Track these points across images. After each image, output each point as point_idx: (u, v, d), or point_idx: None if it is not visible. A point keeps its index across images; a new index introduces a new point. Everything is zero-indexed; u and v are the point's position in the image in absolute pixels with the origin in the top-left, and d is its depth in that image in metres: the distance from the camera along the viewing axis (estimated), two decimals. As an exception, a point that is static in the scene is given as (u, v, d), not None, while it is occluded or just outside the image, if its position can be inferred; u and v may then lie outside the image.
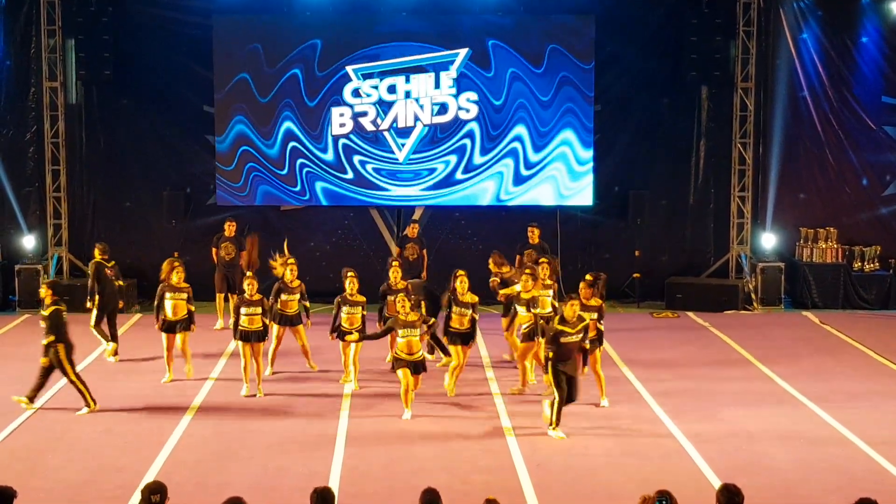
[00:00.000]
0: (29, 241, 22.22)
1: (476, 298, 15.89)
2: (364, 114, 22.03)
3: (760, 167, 22.65)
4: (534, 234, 19.67)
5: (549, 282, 16.78)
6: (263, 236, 20.98)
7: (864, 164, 22.65)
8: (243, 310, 15.50)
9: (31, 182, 22.41)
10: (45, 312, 15.03)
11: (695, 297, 21.94)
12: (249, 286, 15.66)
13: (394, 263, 17.14)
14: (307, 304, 16.84)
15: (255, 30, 22.13)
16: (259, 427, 14.31)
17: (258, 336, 15.50)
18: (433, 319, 15.50)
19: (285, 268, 16.80)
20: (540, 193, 22.25)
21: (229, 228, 20.35)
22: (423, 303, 16.13)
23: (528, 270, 16.26)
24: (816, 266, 22.20)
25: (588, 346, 14.10)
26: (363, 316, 15.74)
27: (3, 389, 15.92)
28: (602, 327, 15.40)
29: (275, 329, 16.60)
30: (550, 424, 13.53)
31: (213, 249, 20.37)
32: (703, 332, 20.00)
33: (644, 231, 22.72)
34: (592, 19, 22.00)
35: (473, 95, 22.01)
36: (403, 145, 22.12)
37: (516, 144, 22.13)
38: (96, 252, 18.61)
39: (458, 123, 22.05)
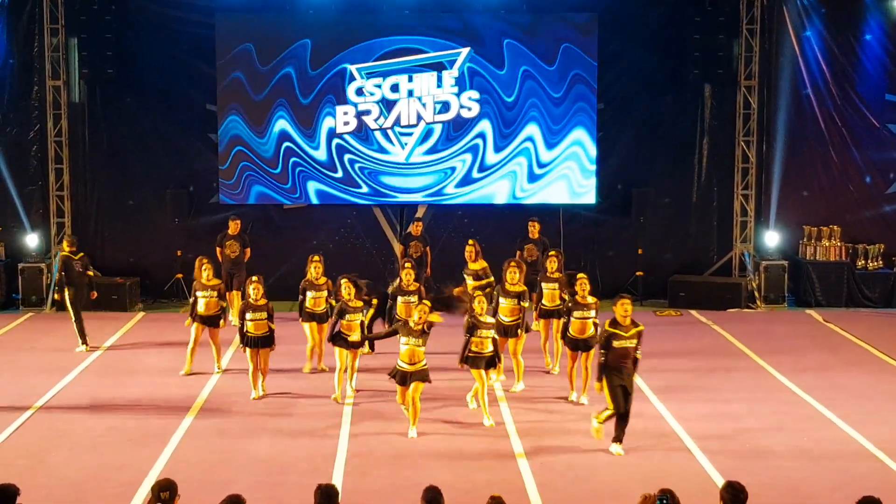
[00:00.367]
0: (32, 240, 22.26)
1: (492, 322, 14.68)
2: (367, 112, 22.06)
3: (763, 165, 22.68)
4: (534, 229, 19.80)
5: (556, 275, 16.82)
6: (266, 234, 21.04)
7: (867, 162, 22.67)
8: (248, 315, 15.36)
9: (34, 181, 22.46)
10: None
11: (698, 296, 21.96)
12: (255, 290, 15.50)
13: (406, 265, 17.16)
14: (334, 301, 16.36)
15: (257, 28, 22.16)
16: (262, 424, 14.36)
17: (265, 341, 15.40)
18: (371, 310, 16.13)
19: (310, 265, 16.76)
20: (554, 192, 22.36)
21: (233, 226, 20.40)
22: (374, 302, 16.52)
23: (513, 262, 16.20)
24: (820, 264, 22.22)
25: (640, 357, 13.14)
26: (362, 322, 15.30)
27: (5, 387, 16.03)
28: (598, 323, 15.29)
29: (306, 328, 16.61)
30: (615, 440, 12.95)
31: (218, 248, 20.37)
32: (706, 330, 20.02)
33: (647, 229, 22.76)
34: (595, 18, 22.04)
35: (475, 94, 22.04)
36: (406, 144, 22.14)
37: (528, 144, 22.22)
38: (64, 245, 19.28)
39: (469, 122, 22.12)
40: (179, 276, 22.18)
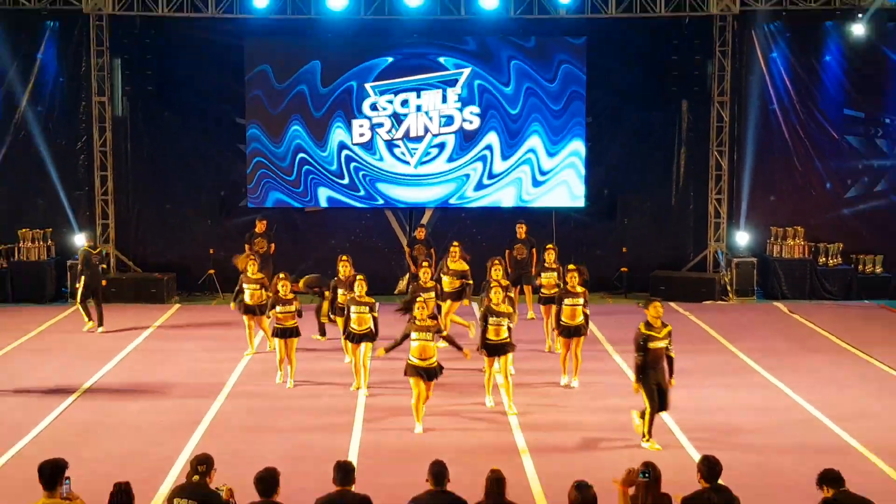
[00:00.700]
0: (80, 239, 22.19)
1: (510, 309, 14.17)
2: (380, 125, 22.10)
3: (735, 172, 22.68)
4: (521, 230, 19.91)
5: (554, 265, 16.90)
6: (287, 235, 21.07)
7: (828, 171, 22.67)
8: (278, 308, 15.31)
9: (81, 186, 22.49)
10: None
11: (676, 289, 21.94)
12: (283, 287, 15.47)
13: (424, 264, 17.18)
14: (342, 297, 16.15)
15: (278, 49, 22.26)
16: (287, 405, 14.38)
17: (291, 332, 15.33)
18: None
19: (340, 264, 16.55)
20: (555, 196, 22.47)
21: (260, 225, 20.61)
22: (325, 293, 16.86)
23: (496, 260, 16.21)
24: (785, 261, 22.22)
25: (674, 355, 12.52)
26: (374, 318, 14.73)
27: (55, 372, 16.04)
28: (588, 311, 15.34)
29: (339, 322, 16.16)
30: (643, 436, 12.33)
31: (247, 245, 20.47)
32: (683, 320, 20.00)
33: (631, 230, 22.80)
34: (586, 41, 22.06)
35: (476, 108, 22.09)
36: (415, 151, 22.18)
37: (531, 155, 22.31)
38: (85, 241, 19.78)
39: (478, 135, 22.21)
40: (211, 271, 22.21)
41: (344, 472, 8.66)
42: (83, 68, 22.19)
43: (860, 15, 21.91)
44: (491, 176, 22.39)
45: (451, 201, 22.51)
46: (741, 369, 16.35)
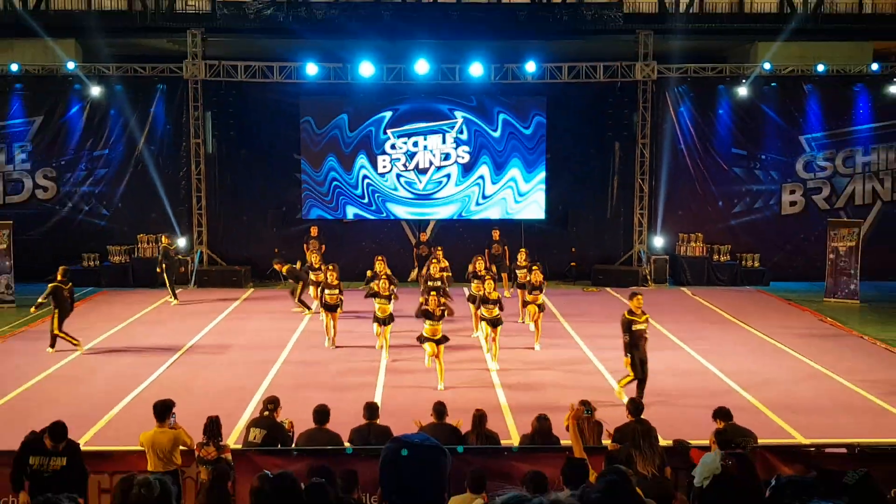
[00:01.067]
0: (181, 242, 22.31)
1: (497, 294, 14.05)
2: (398, 160, 22.18)
3: (653, 194, 22.70)
4: (496, 234, 20.28)
5: (525, 263, 16.95)
6: (331, 238, 21.13)
7: (720, 193, 22.69)
8: (326, 291, 15.41)
9: (182, 203, 22.49)
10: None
11: (611, 278, 21.94)
12: (330, 275, 15.59)
13: (433, 260, 17.08)
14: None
15: (322, 104, 22.22)
16: (332, 359, 14.47)
17: (334, 307, 15.35)
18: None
19: (377, 262, 16.42)
20: (531, 210, 22.49)
21: (314, 230, 20.76)
22: (300, 282, 17.13)
23: (478, 257, 16.47)
24: (689, 258, 22.26)
25: (647, 336, 12.02)
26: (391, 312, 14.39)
27: (163, 337, 16.09)
28: (542, 297, 15.48)
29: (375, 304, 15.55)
30: (618, 390, 12.06)
31: (305, 245, 20.60)
32: (616, 301, 20.10)
33: (578, 235, 22.78)
34: (545, 98, 22.12)
35: (467, 148, 22.17)
36: (423, 178, 22.27)
37: (511, 184, 22.33)
38: (164, 239, 19.69)
39: (474, 167, 22.19)
40: (276, 265, 22.22)
41: (371, 409, 8.75)
42: (184, 118, 22.23)
43: (744, 80, 22.02)
44: (484, 197, 22.39)
45: (462, 215, 22.42)
46: (657, 335, 16.38)
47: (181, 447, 8.01)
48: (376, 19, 21.68)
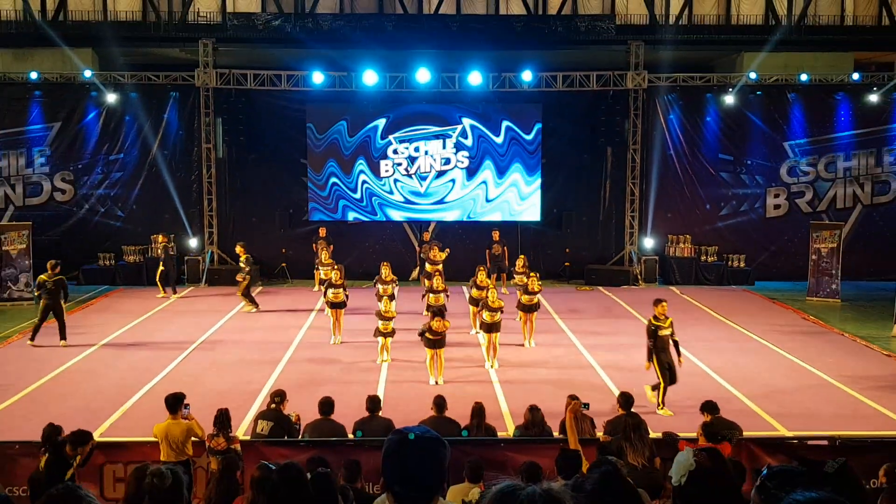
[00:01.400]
0: (193, 242, 22.36)
1: (502, 303, 13.90)
2: (400, 164, 22.17)
3: (643, 197, 22.72)
4: (496, 235, 20.24)
5: (522, 269, 16.88)
6: (337, 239, 21.12)
7: (707, 196, 22.71)
8: (331, 289, 15.42)
9: (194, 205, 22.50)
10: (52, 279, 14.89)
11: (603, 278, 21.94)
12: (336, 274, 15.60)
13: (432, 251, 17.05)
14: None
15: (328, 111, 22.17)
16: (336, 356, 14.46)
17: (340, 305, 15.38)
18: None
19: (383, 267, 16.19)
20: (531, 213, 22.42)
21: (322, 231, 20.90)
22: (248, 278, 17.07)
23: (480, 267, 16.18)
24: (678, 259, 22.26)
25: (677, 339, 11.61)
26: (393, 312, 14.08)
27: (176, 332, 16.09)
28: (538, 297, 15.43)
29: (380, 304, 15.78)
30: (658, 405, 11.30)
31: (313, 245, 20.66)
32: (608, 299, 20.13)
33: (572, 236, 22.79)
34: (541, 105, 22.13)
35: (465, 153, 22.15)
36: (424, 180, 22.26)
37: (513, 188, 22.27)
38: (161, 238, 20.06)
39: (476, 169, 22.09)
40: (284, 264, 22.27)
41: (374, 402, 8.75)
42: (195, 124, 22.23)
43: (731, 89, 22.04)
44: (487, 200, 22.32)
45: (471, 216, 22.32)
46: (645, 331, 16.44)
47: (193, 438, 8.01)
48: (380, 30, 21.70)
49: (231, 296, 19.82)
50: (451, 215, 22.42)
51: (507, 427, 10.30)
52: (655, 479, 6.54)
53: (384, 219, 22.38)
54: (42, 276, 15.24)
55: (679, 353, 11.62)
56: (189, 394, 8.47)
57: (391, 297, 14.39)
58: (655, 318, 11.50)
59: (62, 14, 22.29)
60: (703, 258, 22.25)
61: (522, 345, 15.08)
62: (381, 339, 13.89)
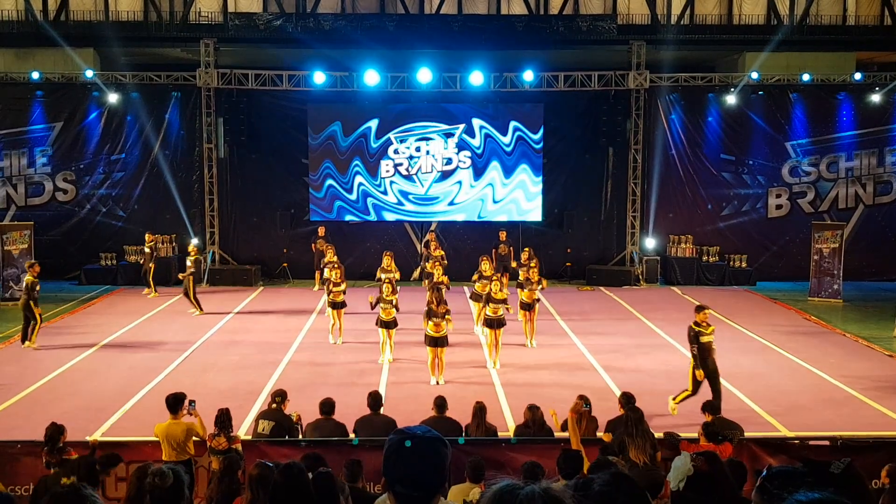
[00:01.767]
0: (194, 242, 22.29)
1: (507, 293, 13.86)
2: (401, 164, 22.16)
3: (645, 197, 22.71)
4: (503, 235, 20.20)
5: (533, 263, 16.86)
6: (337, 238, 21.11)
7: (709, 196, 22.70)
8: (333, 288, 15.41)
9: (195, 205, 22.51)
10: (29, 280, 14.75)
11: (604, 278, 21.94)
12: (336, 274, 15.56)
13: (436, 265, 16.73)
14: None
15: (331, 111, 22.16)
16: (335, 357, 14.46)
17: (341, 305, 15.37)
18: None
19: (385, 256, 16.34)
20: (532, 213, 22.38)
21: (321, 231, 20.88)
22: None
23: (484, 257, 16.04)
24: (679, 259, 22.25)
25: (715, 348, 11.31)
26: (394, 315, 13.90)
27: (177, 333, 16.09)
28: (539, 294, 15.43)
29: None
30: (674, 399, 11.14)
31: (313, 245, 20.64)
32: (609, 299, 20.13)
33: (573, 236, 22.79)
34: (542, 105, 22.12)
35: (467, 153, 22.14)
36: (425, 182, 22.25)
37: (520, 189, 22.27)
38: (148, 237, 19.55)
39: (485, 169, 22.06)
40: (285, 264, 22.28)
41: (375, 400, 8.75)
42: (197, 124, 22.24)
43: (732, 89, 22.03)
44: (495, 202, 22.29)
45: (482, 215, 22.26)
46: (649, 333, 16.44)
47: (194, 438, 8.02)
48: (381, 30, 21.70)
49: (231, 296, 19.84)
50: (457, 216, 22.35)
51: (508, 427, 10.30)
52: (656, 477, 6.54)
53: (379, 219, 22.30)
54: (28, 277, 15.05)
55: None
56: (190, 394, 8.46)
57: (393, 289, 14.11)
58: (697, 323, 11.25)
59: (64, 14, 22.31)
60: (704, 258, 22.24)
61: (524, 345, 15.07)
62: (382, 332, 13.74)
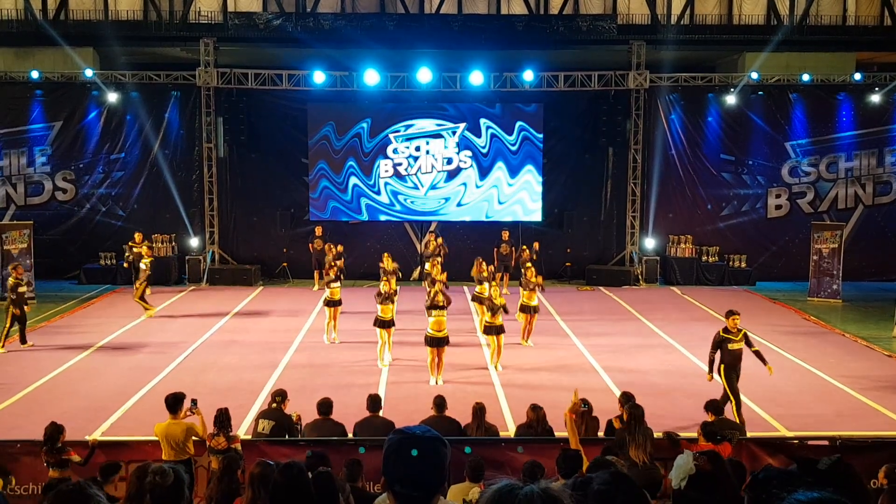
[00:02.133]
0: (194, 242, 22.37)
1: (504, 301, 13.76)
2: (400, 164, 22.15)
3: (645, 197, 22.72)
4: (505, 235, 20.22)
5: (534, 257, 16.90)
6: (336, 237, 21.13)
7: (708, 196, 22.71)
8: (331, 284, 15.40)
9: (195, 205, 22.51)
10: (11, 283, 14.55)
11: (604, 278, 21.96)
12: (332, 272, 15.60)
13: (436, 261, 16.83)
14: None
15: (330, 111, 22.15)
16: (333, 357, 14.44)
17: (337, 303, 15.40)
18: None
19: (387, 258, 16.30)
20: (537, 213, 22.33)
21: (318, 231, 20.81)
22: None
23: (478, 259, 16.02)
24: (679, 259, 22.26)
25: (756, 348, 10.95)
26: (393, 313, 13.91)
27: (177, 332, 16.07)
28: (539, 296, 15.43)
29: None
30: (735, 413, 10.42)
31: (310, 245, 20.60)
32: (609, 299, 20.13)
33: (573, 236, 22.79)
34: (542, 105, 22.13)
35: (469, 152, 22.13)
36: (424, 183, 22.24)
37: (525, 189, 22.26)
38: (137, 237, 18.41)
39: (489, 170, 22.04)
40: (285, 264, 22.28)
41: (374, 401, 8.75)
42: (196, 124, 22.24)
43: (732, 89, 22.04)
44: (500, 202, 22.28)
45: (489, 215, 22.25)
46: (649, 333, 16.45)
47: (193, 437, 8.03)
48: (381, 30, 21.70)
49: (231, 295, 19.84)
50: (463, 217, 22.34)
51: (508, 427, 10.31)
52: (655, 476, 6.56)
53: (371, 218, 22.28)
54: (11, 279, 14.85)
55: (765, 362, 10.86)
56: (190, 393, 8.47)
57: (395, 280, 13.98)
58: (726, 329, 10.85)
59: (63, 13, 22.31)
60: (704, 258, 22.25)
61: (520, 343, 15.07)
62: (380, 332, 13.63)
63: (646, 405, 7.81)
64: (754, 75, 21.72)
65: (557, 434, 8.46)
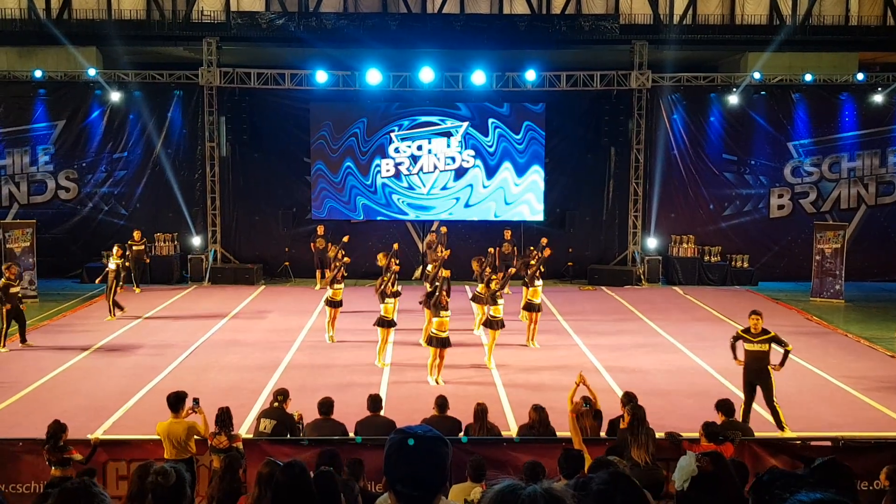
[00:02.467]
0: (196, 241, 22.38)
1: (508, 291, 13.69)
2: (401, 163, 22.13)
3: (647, 197, 22.68)
4: (507, 234, 20.27)
5: (541, 254, 16.84)
6: (337, 237, 21.14)
7: (711, 196, 22.68)
8: (334, 285, 15.34)
9: (198, 204, 22.52)
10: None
11: (606, 278, 21.93)
12: (340, 274, 15.51)
13: (437, 255, 16.72)
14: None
15: (330, 111, 22.12)
16: (335, 356, 14.43)
17: (338, 304, 15.36)
18: None
19: (381, 257, 16.08)
20: (539, 213, 22.30)
21: (320, 230, 20.81)
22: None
23: (494, 278, 15.90)
24: (681, 259, 22.23)
25: (790, 348, 10.80)
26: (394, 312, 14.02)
27: (178, 332, 16.07)
28: (540, 293, 15.39)
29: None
30: (782, 427, 10.26)
31: (312, 244, 20.59)
32: (611, 299, 20.11)
33: (575, 236, 22.75)
34: (544, 105, 22.10)
35: (472, 152, 22.11)
36: (426, 183, 22.22)
37: (532, 190, 22.18)
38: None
39: (496, 170, 21.97)
40: (287, 263, 22.27)
41: (375, 401, 8.75)
42: (199, 123, 22.23)
43: (735, 89, 22.01)
44: (506, 203, 22.26)
45: (497, 214, 22.21)
46: (651, 333, 16.42)
47: (195, 436, 8.03)
48: (383, 29, 21.70)
49: (233, 294, 19.83)
50: (471, 217, 22.31)
51: (510, 427, 10.30)
52: (657, 477, 6.54)
53: (361, 215, 22.24)
54: (2, 280, 14.72)
55: (782, 363, 10.67)
56: (191, 392, 8.46)
57: (394, 282, 13.96)
58: (746, 329, 10.67)
59: (67, 13, 22.34)
60: (706, 258, 22.22)
61: (526, 345, 15.05)
62: (380, 331, 13.56)
63: (648, 405, 7.80)
64: (756, 75, 21.69)
65: (559, 434, 8.44)
